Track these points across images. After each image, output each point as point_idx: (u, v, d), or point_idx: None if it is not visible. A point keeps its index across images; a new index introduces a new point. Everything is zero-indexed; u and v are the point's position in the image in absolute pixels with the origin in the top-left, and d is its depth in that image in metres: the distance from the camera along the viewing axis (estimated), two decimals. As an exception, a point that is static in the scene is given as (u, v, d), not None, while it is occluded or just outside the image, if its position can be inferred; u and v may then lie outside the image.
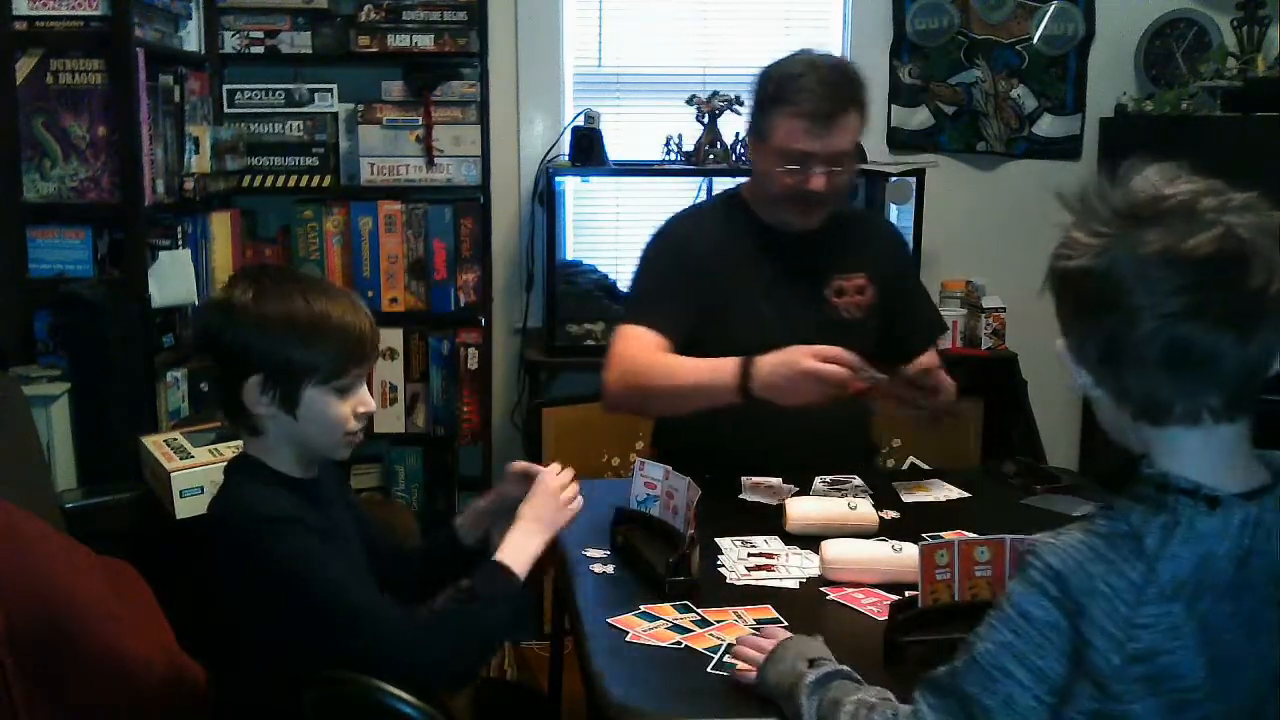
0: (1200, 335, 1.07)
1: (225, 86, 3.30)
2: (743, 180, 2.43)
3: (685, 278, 2.25)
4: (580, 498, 1.70)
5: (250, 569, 1.51)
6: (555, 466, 1.71)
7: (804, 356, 1.96)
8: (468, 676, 1.56)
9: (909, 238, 3.45)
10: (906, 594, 1.56)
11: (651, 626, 1.57)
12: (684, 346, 2.19)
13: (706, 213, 2.41)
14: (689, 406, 2.13)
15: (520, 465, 1.78)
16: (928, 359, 2.35)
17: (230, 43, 3.28)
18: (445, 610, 1.53)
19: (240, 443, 1.65)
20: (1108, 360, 1.13)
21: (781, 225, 2.27)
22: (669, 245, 2.32)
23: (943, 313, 3.54)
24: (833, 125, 2.14)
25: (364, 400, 1.61)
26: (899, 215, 3.57)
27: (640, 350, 2.17)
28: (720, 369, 2.04)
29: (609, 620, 1.59)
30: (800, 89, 2.13)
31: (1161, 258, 1.08)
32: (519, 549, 1.61)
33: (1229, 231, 1.08)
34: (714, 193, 3.48)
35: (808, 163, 2.16)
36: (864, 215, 2.54)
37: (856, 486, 2.12)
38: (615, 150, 3.43)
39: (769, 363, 1.99)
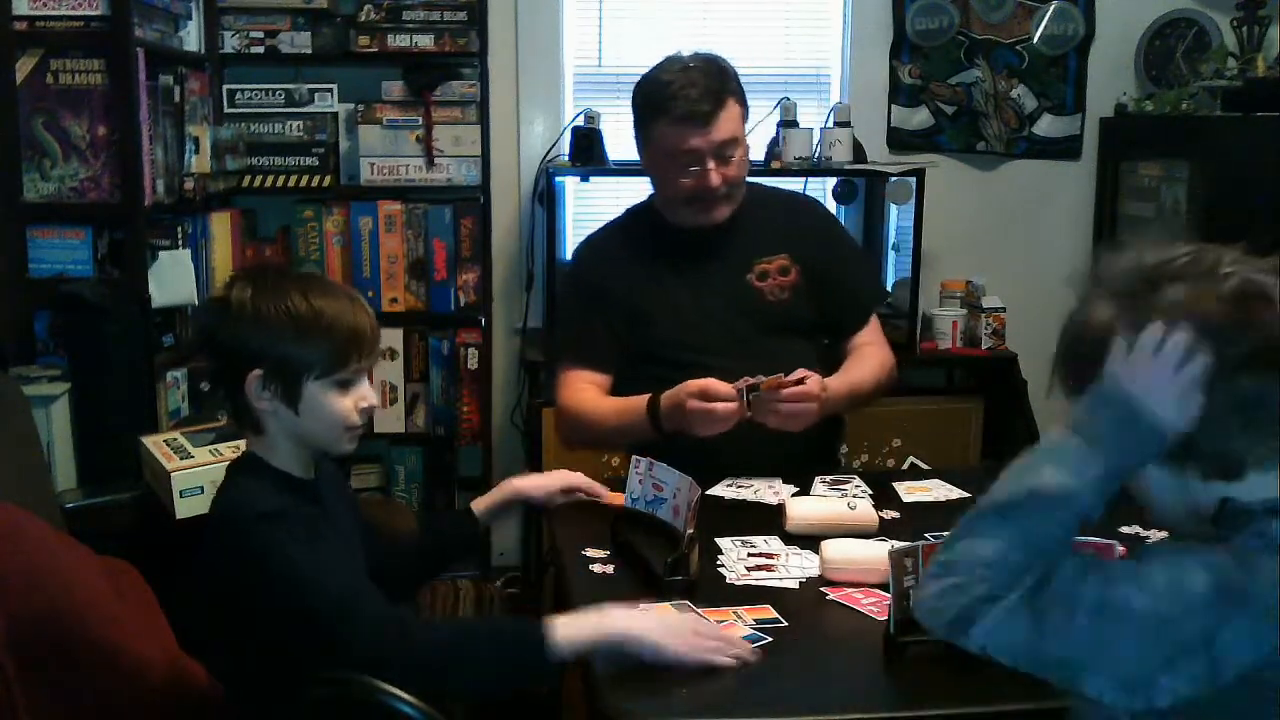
0: (1258, 380, 1.08)
1: (225, 86, 3.30)
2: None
3: (603, 305, 2.31)
4: (732, 653, 1.47)
5: (241, 566, 1.51)
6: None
7: (687, 397, 2.05)
8: (443, 684, 1.45)
9: (909, 238, 3.47)
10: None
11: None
12: (623, 359, 2.30)
13: (615, 230, 2.43)
14: (632, 441, 2.22)
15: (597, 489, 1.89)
16: (866, 336, 2.39)
17: (230, 43, 3.28)
18: (451, 622, 1.48)
19: (240, 444, 1.65)
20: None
21: (691, 224, 2.30)
22: (583, 276, 2.40)
23: (943, 313, 3.56)
24: (713, 120, 2.17)
25: (366, 395, 1.61)
26: (899, 215, 3.58)
27: (577, 398, 2.29)
28: (635, 412, 2.17)
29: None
30: (673, 95, 2.17)
31: (1192, 310, 1.08)
32: (584, 621, 1.47)
33: (1247, 278, 1.10)
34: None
35: (699, 161, 2.19)
36: (782, 196, 2.54)
37: (856, 486, 2.12)
38: (615, 150, 3.43)
39: (665, 405, 2.11)
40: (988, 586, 1.13)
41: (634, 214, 2.43)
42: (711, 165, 2.20)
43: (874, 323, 2.42)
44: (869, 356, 2.36)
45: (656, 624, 1.48)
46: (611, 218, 2.46)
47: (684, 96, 2.16)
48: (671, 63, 2.24)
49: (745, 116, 2.27)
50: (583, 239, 2.49)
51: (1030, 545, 1.14)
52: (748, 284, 2.31)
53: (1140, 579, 1.09)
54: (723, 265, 2.31)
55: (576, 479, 2.01)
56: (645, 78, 2.26)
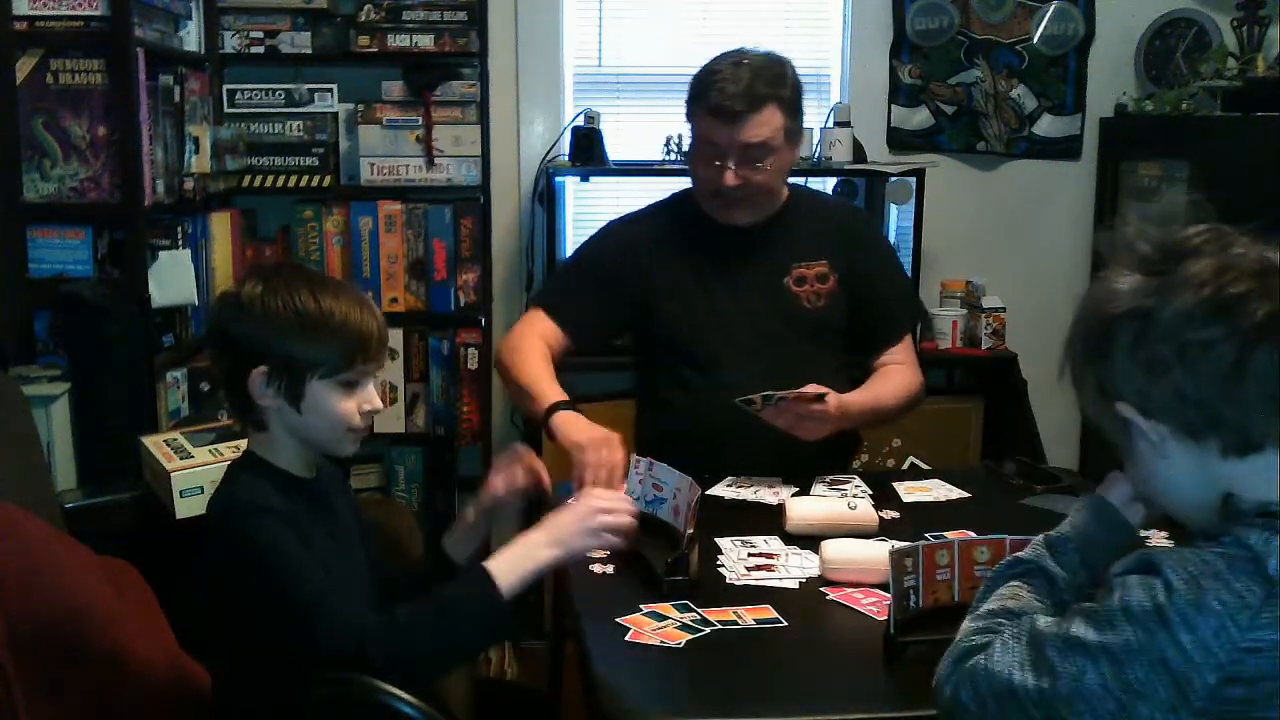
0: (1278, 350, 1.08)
1: (225, 86, 3.30)
2: None
3: (606, 279, 2.32)
4: (621, 529, 1.61)
5: (229, 560, 1.52)
6: (608, 495, 1.65)
7: (584, 460, 1.97)
8: (423, 678, 1.48)
9: (909, 238, 3.47)
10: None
11: (661, 626, 1.57)
12: (598, 339, 2.37)
13: (652, 214, 2.42)
14: (521, 404, 2.26)
15: (531, 462, 1.79)
16: (897, 355, 2.35)
17: (230, 43, 3.28)
18: (412, 609, 1.49)
19: (240, 443, 1.66)
20: (1195, 400, 1.11)
21: (719, 220, 2.29)
22: (599, 245, 2.40)
23: (942, 313, 3.56)
24: (742, 120, 2.15)
25: (370, 398, 1.61)
26: (899, 215, 3.58)
27: (526, 334, 2.29)
28: (539, 394, 2.14)
29: (618, 619, 1.58)
30: (712, 85, 2.17)
31: (1221, 280, 1.10)
32: (515, 562, 1.54)
33: (1265, 253, 1.12)
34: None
35: (721, 158, 2.19)
36: (831, 203, 2.58)
37: (856, 486, 2.12)
38: (615, 150, 3.43)
39: (565, 430, 2.05)
40: (981, 637, 1.21)
41: (675, 201, 2.41)
42: (731, 164, 2.18)
43: (906, 342, 2.40)
44: (894, 376, 2.33)
45: (555, 537, 1.57)
46: (612, 216, 2.46)
47: (721, 89, 2.15)
48: (731, 54, 2.22)
49: (792, 128, 2.22)
50: (622, 215, 2.45)
51: (1001, 596, 1.26)
52: (784, 287, 2.29)
53: (1095, 611, 1.10)
54: (760, 265, 2.30)
55: (509, 467, 1.82)
56: (705, 64, 2.24)
